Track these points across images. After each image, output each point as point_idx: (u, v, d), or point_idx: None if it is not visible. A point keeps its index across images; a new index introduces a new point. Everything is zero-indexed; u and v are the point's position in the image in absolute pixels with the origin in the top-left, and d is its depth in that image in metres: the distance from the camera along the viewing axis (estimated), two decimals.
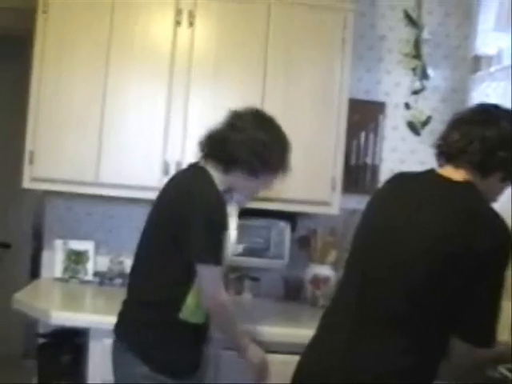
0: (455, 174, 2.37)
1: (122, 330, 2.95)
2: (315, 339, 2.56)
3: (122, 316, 2.99)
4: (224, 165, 2.90)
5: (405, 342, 2.25)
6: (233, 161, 2.88)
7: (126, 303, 3.00)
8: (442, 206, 2.30)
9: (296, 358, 2.58)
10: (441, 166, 2.47)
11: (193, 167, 2.99)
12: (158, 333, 2.84)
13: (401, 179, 2.60)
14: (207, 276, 2.80)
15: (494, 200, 2.46)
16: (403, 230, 2.33)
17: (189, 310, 2.83)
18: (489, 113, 2.44)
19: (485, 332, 2.23)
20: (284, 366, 2.74)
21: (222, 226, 2.82)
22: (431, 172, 2.47)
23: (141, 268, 2.98)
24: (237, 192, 3.02)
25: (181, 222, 2.76)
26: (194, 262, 2.76)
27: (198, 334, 2.94)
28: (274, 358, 3.13)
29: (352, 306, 2.41)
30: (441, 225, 2.24)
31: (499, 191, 2.48)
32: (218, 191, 2.84)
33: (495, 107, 2.50)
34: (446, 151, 2.45)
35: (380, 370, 2.26)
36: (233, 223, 3.07)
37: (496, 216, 2.27)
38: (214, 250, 2.78)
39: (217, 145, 2.92)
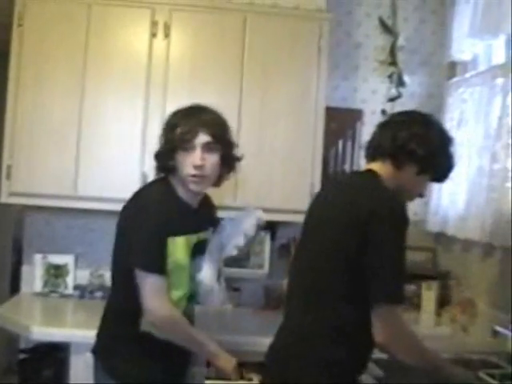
0: (371, 167, 2.66)
1: (94, 346, 2.93)
2: None
3: (98, 330, 2.98)
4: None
5: (318, 314, 2.49)
6: None
7: (101, 317, 2.99)
8: (346, 187, 2.66)
9: None
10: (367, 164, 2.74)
11: (154, 182, 2.98)
12: (122, 346, 2.82)
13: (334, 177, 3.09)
14: (145, 286, 2.70)
15: (413, 194, 2.73)
16: (321, 212, 2.66)
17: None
18: (406, 115, 2.75)
19: (392, 288, 2.37)
20: None
21: (160, 233, 2.73)
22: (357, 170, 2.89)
23: (111, 281, 2.98)
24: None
25: (127, 230, 2.76)
26: (133, 268, 2.71)
27: (164, 346, 2.80)
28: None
29: (288, 290, 2.75)
30: (342, 199, 2.55)
31: (419, 185, 2.71)
32: (165, 199, 2.81)
33: (414, 112, 2.81)
34: (367, 149, 2.74)
35: (293, 344, 2.54)
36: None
37: (385, 189, 2.53)
38: (149, 257, 2.71)
39: None
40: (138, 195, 2.87)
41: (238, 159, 2.96)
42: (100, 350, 2.88)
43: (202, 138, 2.77)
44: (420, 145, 2.56)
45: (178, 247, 2.78)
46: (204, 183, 2.84)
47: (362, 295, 2.39)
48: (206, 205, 3.03)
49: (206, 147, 2.78)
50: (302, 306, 2.57)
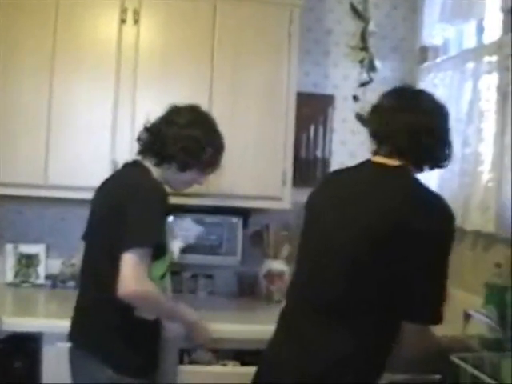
0: (393, 161, 2.41)
1: (78, 336, 2.91)
2: (274, 335, 2.57)
3: (76, 321, 2.95)
4: (157, 158, 2.94)
5: (346, 330, 2.29)
6: (165, 155, 2.93)
7: (78, 308, 2.96)
8: (379, 189, 2.34)
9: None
10: (374, 153, 2.52)
11: (128, 164, 3.02)
12: (117, 333, 2.81)
13: (339, 174, 2.70)
14: (128, 260, 2.66)
15: None
16: (345, 217, 2.37)
17: None
18: (407, 98, 2.50)
19: (432, 309, 2.25)
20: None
21: (159, 210, 2.78)
22: (367, 161, 2.52)
23: (90, 270, 2.94)
24: (169, 185, 3.02)
25: (120, 212, 2.73)
26: (124, 247, 2.67)
27: (157, 329, 2.93)
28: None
29: (300, 301, 2.48)
30: (378, 206, 2.27)
31: None
32: (155, 180, 2.88)
33: (412, 91, 2.62)
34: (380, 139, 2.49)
35: (322, 360, 2.29)
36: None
37: (434, 196, 2.31)
38: (147, 233, 2.72)
39: (151, 138, 2.98)
40: (122, 176, 2.96)
41: None
42: (91, 341, 2.84)
43: None
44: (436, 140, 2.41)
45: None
46: None
47: (392, 309, 2.27)
48: None
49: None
50: (326, 321, 2.34)
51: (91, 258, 2.93)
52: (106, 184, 3.00)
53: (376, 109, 2.53)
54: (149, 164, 2.93)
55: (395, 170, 2.39)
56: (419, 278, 2.20)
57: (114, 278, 2.66)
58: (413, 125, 2.37)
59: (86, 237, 3.00)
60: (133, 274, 2.64)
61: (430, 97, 2.52)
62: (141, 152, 3.00)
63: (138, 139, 3.02)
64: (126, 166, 3.02)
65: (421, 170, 2.49)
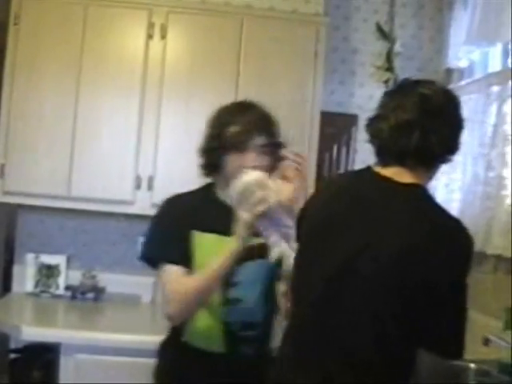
0: (402, 175, 2.17)
1: None
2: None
3: None
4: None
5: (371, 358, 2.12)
6: None
7: None
8: (397, 217, 2.09)
9: None
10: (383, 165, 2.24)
11: None
12: (164, 356, 2.74)
13: (342, 185, 2.39)
14: (161, 279, 2.62)
15: None
16: (365, 244, 2.11)
17: (194, 332, 2.64)
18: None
19: (455, 343, 2.14)
20: None
21: (164, 224, 2.66)
22: (369, 171, 2.27)
23: None
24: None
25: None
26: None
27: (206, 362, 2.63)
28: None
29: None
30: (403, 237, 2.05)
31: None
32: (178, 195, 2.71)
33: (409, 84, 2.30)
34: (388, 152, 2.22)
35: None
36: None
37: (456, 222, 2.13)
38: (158, 250, 2.63)
39: None
40: None
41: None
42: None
43: (257, 140, 2.62)
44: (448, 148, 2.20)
45: (204, 243, 2.61)
46: None
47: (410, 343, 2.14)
48: None
49: (260, 149, 2.62)
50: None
51: None
52: None
53: (371, 119, 2.32)
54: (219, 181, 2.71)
55: (407, 191, 2.15)
56: (445, 309, 2.08)
57: None
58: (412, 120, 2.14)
59: None
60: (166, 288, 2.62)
61: (426, 86, 2.25)
62: None
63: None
64: None
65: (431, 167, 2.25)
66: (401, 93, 2.24)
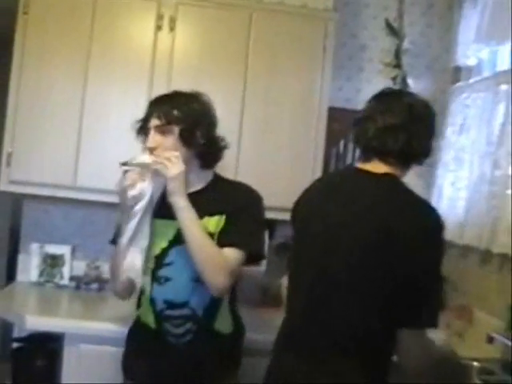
0: (380, 169, 2.42)
1: None
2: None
3: None
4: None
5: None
6: None
7: None
8: (371, 200, 2.34)
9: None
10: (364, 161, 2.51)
11: None
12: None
13: (327, 181, 2.78)
14: None
15: None
16: (341, 227, 2.36)
17: (140, 307, 2.89)
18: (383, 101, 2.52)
19: (428, 312, 2.24)
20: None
21: None
22: (351, 166, 2.59)
23: None
24: None
25: None
26: None
27: (146, 337, 2.84)
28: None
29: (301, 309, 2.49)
30: (371, 218, 2.29)
31: None
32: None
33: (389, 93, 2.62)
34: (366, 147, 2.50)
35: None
36: None
37: (422, 202, 2.34)
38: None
39: None
40: None
41: (207, 137, 2.82)
42: None
43: (154, 121, 2.78)
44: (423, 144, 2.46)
45: (156, 229, 2.79)
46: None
47: (389, 318, 2.27)
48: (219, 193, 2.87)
49: (159, 130, 2.77)
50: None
51: None
52: None
53: (358, 119, 2.59)
54: None
55: (382, 179, 2.40)
56: (414, 282, 2.22)
57: None
58: (389, 124, 2.41)
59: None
60: None
61: (409, 96, 2.56)
62: None
63: None
64: None
65: (407, 167, 2.50)
66: (388, 99, 2.52)
